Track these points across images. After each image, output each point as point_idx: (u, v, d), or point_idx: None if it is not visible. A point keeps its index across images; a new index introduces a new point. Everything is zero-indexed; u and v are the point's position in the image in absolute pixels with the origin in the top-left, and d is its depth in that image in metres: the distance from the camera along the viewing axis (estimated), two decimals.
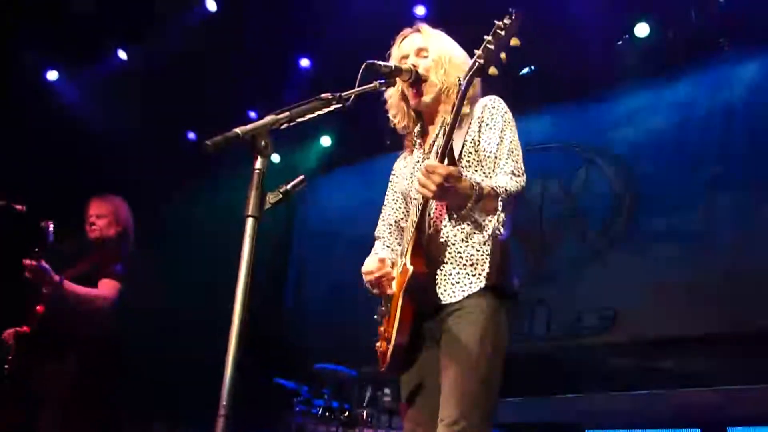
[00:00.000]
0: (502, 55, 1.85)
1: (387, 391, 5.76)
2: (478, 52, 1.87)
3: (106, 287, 3.40)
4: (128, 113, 8.19)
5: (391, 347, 2.12)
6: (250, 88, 7.95)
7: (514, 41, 1.84)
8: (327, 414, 5.75)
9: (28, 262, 3.14)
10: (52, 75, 8.23)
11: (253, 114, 8.03)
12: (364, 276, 2.32)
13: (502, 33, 1.80)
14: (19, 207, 3.41)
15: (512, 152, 2.11)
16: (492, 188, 2.01)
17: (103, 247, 3.64)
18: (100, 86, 8.15)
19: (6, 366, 3.20)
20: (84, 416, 3.18)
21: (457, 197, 1.95)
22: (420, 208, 2.09)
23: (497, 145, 2.10)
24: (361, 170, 8.39)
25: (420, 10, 6.39)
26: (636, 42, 6.24)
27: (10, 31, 7.37)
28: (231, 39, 7.47)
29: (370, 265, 2.29)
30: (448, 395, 2.00)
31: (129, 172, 7.95)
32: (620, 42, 6.37)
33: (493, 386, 2.03)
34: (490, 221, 2.05)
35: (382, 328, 2.26)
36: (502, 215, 2.00)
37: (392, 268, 2.28)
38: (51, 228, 3.30)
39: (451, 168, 1.90)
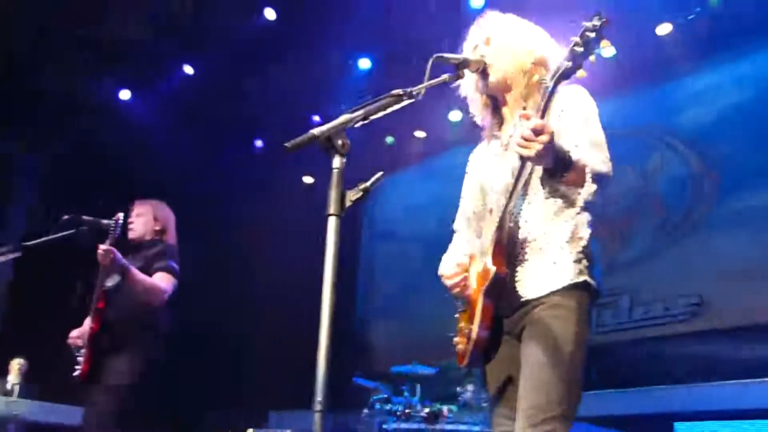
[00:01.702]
0: (591, 58, 1.80)
1: (468, 387, 5.73)
2: (564, 54, 1.82)
3: (162, 280, 3.46)
4: (196, 125, 8.45)
5: (471, 344, 2.10)
6: (312, 93, 8.06)
7: (605, 43, 1.78)
8: (407, 411, 5.76)
9: (101, 246, 3.28)
10: (125, 94, 8.57)
11: (317, 118, 8.14)
12: (441, 278, 2.31)
13: (591, 35, 1.75)
14: (105, 222, 3.52)
15: (598, 143, 2.05)
16: (581, 160, 1.97)
17: (142, 246, 3.69)
18: (169, 101, 8.44)
19: (80, 367, 3.31)
20: (138, 407, 3.26)
21: (554, 161, 1.89)
22: (502, 205, 2.05)
23: (581, 135, 2.03)
24: (425, 168, 8.39)
25: (476, 2, 6.32)
26: (703, 18, 6.02)
27: (85, 53, 7.69)
28: (290, 46, 7.59)
29: (447, 270, 2.27)
30: (528, 389, 1.98)
31: (200, 182, 8.22)
32: (690, 17, 6.14)
33: (574, 380, 1.99)
34: (579, 194, 1.99)
35: (461, 324, 2.25)
36: (592, 187, 1.94)
37: (470, 262, 2.26)
38: (120, 221, 3.42)
39: (552, 129, 1.85)
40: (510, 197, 2.04)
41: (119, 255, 3.29)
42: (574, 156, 1.94)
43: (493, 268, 2.03)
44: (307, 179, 9.31)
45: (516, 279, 2.10)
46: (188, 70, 8.29)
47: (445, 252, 2.42)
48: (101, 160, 8.03)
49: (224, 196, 8.57)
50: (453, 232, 2.51)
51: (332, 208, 1.65)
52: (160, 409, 5.39)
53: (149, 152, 8.12)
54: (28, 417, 6.01)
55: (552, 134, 1.83)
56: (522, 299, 2.08)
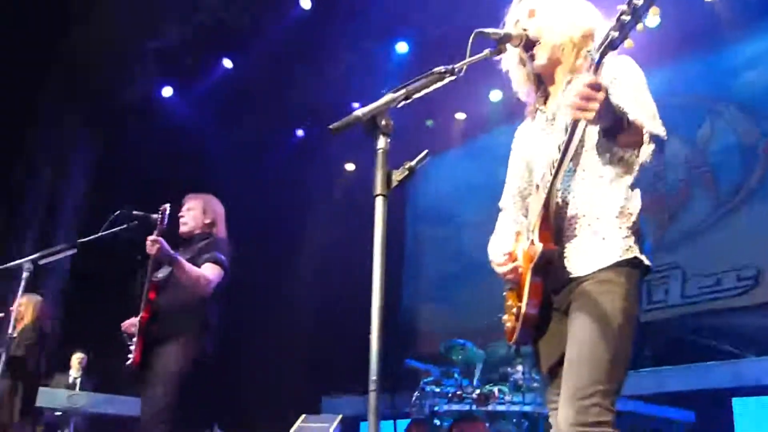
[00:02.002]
0: (639, 27, 1.73)
1: (518, 368, 5.70)
2: (612, 24, 1.76)
3: (209, 270, 3.49)
4: (237, 118, 8.56)
5: (519, 322, 2.08)
6: (351, 81, 8.07)
7: (654, 11, 1.70)
8: (458, 393, 5.76)
9: (150, 237, 3.33)
10: (167, 91, 8.73)
11: (356, 105, 8.15)
12: (491, 263, 2.28)
13: (639, 3, 1.69)
14: (153, 216, 3.58)
15: (651, 109, 1.99)
16: (637, 120, 1.89)
17: (193, 239, 3.73)
18: (210, 96, 8.55)
19: (132, 355, 3.37)
20: (189, 395, 3.30)
21: (611, 119, 1.83)
22: (548, 182, 2.01)
23: (634, 101, 1.96)
24: (468, 149, 8.33)
25: None
26: None
27: (128, 54, 7.85)
28: (326, 35, 7.61)
29: (496, 257, 2.24)
30: (574, 364, 1.93)
31: (244, 174, 8.32)
32: None
33: (621, 356, 1.93)
34: (637, 156, 1.93)
35: (509, 302, 2.22)
36: (650, 147, 1.89)
37: (517, 240, 2.23)
38: (167, 211, 3.47)
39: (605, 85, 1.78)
40: (556, 173, 2.00)
41: (166, 245, 3.33)
42: (631, 116, 1.89)
43: (540, 246, 2.00)
44: (349, 166, 9.37)
45: (564, 256, 2.05)
46: (227, 64, 8.39)
47: (491, 233, 2.40)
48: (147, 157, 8.20)
49: (268, 187, 8.67)
50: (499, 210, 2.48)
51: (379, 189, 1.64)
52: (213, 397, 5.53)
53: (194, 147, 8.26)
54: (90, 409, 6.23)
55: (608, 91, 1.78)
56: (570, 276, 2.04)
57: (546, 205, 2.04)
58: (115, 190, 8.05)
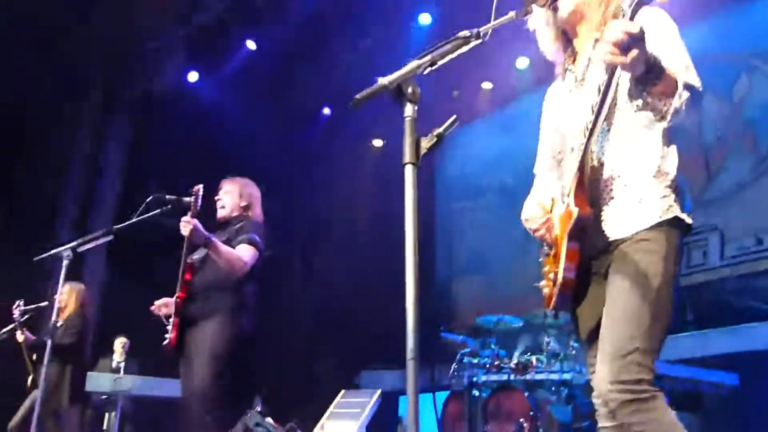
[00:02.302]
0: None
1: (554, 336, 5.67)
2: None
3: (244, 251, 3.50)
4: (262, 99, 8.57)
5: (557, 287, 2.05)
6: (376, 55, 8.01)
7: None
8: (496, 363, 5.76)
9: (183, 218, 3.35)
10: (193, 76, 8.77)
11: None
12: (524, 223, 2.25)
13: None
14: (186, 199, 3.60)
15: (685, 61, 1.92)
16: (671, 67, 1.82)
17: (230, 223, 3.75)
18: (235, 78, 8.58)
19: (169, 336, 3.42)
20: (224, 375, 3.32)
21: (646, 67, 1.76)
22: (582, 144, 1.96)
23: (665, 53, 1.89)
24: (497, 119, 8.23)
25: None
26: None
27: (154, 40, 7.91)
28: (351, 10, 7.54)
29: (529, 213, 2.21)
30: (612, 323, 1.90)
31: (273, 153, 8.36)
32: None
33: (661, 315, 1.88)
34: (671, 104, 1.85)
35: (546, 268, 2.18)
36: (684, 94, 1.82)
37: (553, 205, 2.19)
38: (200, 193, 3.48)
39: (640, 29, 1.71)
40: (590, 134, 1.95)
41: (200, 226, 3.35)
42: (664, 63, 1.81)
43: (575, 209, 1.95)
44: (377, 142, 9.35)
45: (601, 219, 2.00)
46: (251, 45, 8.38)
47: (523, 201, 2.36)
48: (178, 142, 8.28)
49: (297, 166, 8.70)
50: (533, 177, 2.44)
51: (408, 157, 1.62)
52: (253, 376, 5.62)
53: (223, 130, 8.31)
54: (135, 392, 6.37)
55: (644, 35, 1.70)
56: (608, 239, 1.99)
57: (581, 168, 1.99)
58: (148, 175, 8.16)
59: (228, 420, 3.36)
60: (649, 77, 1.80)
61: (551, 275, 2.11)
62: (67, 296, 5.18)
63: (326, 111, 9.27)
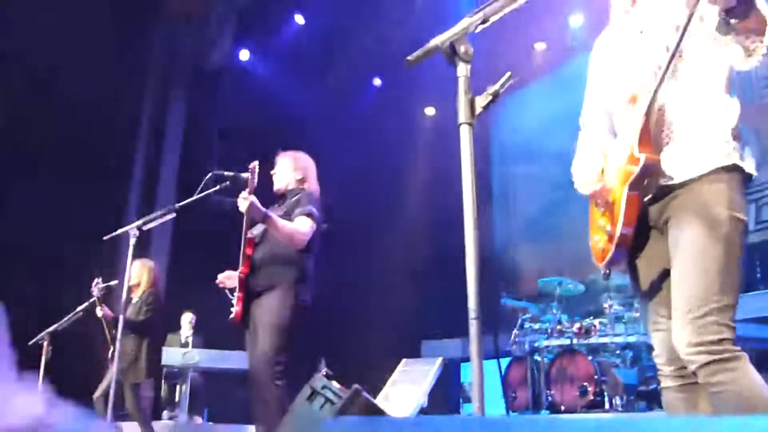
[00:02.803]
0: None
1: (616, 299, 5.58)
2: None
3: (301, 223, 3.53)
4: (313, 73, 8.60)
5: (614, 242, 1.96)
6: (423, 23, 7.91)
7: None
8: (558, 328, 5.72)
9: (242, 195, 3.40)
10: (244, 55, 8.86)
11: None
12: (576, 180, 2.17)
13: None
14: (245, 175, 3.65)
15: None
16: (758, 2, 1.72)
17: (285, 196, 3.78)
18: (286, 54, 8.63)
19: (234, 310, 3.50)
20: (285, 346, 3.37)
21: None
22: (649, 88, 1.87)
23: None
24: (550, 82, 8.04)
25: None
26: None
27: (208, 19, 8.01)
28: None
29: (582, 179, 2.13)
30: (683, 280, 1.81)
31: (327, 126, 8.39)
32: None
33: (732, 267, 1.77)
34: (761, 42, 1.76)
35: (600, 222, 2.10)
36: None
37: (605, 162, 2.10)
38: (256, 169, 3.52)
39: None
40: (662, 77, 1.83)
41: (257, 202, 3.40)
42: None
43: (642, 156, 1.85)
44: (429, 110, 9.28)
45: (662, 166, 1.91)
46: (299, 20, 8.40)
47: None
48: (233, 119, 8.42)
49: (350, 138, 8.72)
50: (579, 129, 2.34)
51: (463, 116, 1.59)
52: (315, 345, 5.72)
53: (276, 106, 8.38)
54: (203, 365, 6.59)
55: None
56: (667, 186, 1.90)
57: (648, 112, 1.89)
58: (207, 153, 8.33)
59: (293, 387, 3.43)
60: (738, 11, 1.70)
61: (608, 229, 2.03)
62: (139, 273, 5.37)
63: (377, 82, 9.25)
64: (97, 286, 4.97)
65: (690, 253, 1.81)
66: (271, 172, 3.84)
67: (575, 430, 0.83)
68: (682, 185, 1.88)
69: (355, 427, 0.99)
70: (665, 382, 1.97)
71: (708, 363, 1.73)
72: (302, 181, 3.81)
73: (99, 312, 4.97)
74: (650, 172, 1.87)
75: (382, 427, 0.96)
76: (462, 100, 1.61)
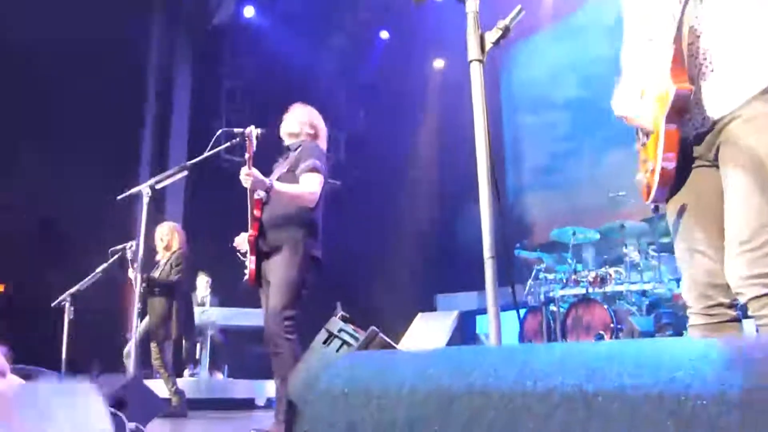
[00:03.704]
0: None
1: (632, 247, 5.55)
2: None
3: (308, 181, 3.49)
4: (320, 30, 8.48)
5: (656, 178, 1.90)
6: None
7: None
8: (573, 277, 5.71)
9: (244, 171, 3.38)
10: (249, 11, 8.73)
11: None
12: (616, 114, 2.08)
13: None
14: (256, 130, 3.61)
15: None
16: None
17: (291, 147, 3.74)
18: (290, 8, 8.49)
19: (247, 271, 3.52)
20: (293, 301, 3.40)
21: None
22: (677, 12, 1.76)
23: None
24: (557, 30, 7.88)
25: None
26: None
27: None
28: None
29: (622, 107, 2.04)
30: (735, 213, 1.73)
31: (337, 82, 8.30)
32: None
33: None
34: None
35: (643, 157, 2.03)
36: None
37: (647, 91, 2.00)
38: (253, 134, 3.48)
39: None
40: (685, 1, 1.73)
41: (258, 176, 3.37)
42: None
43: (673, 87, 1.75)
44: (438, 63, 9.16)
45: (701, 97, 1.81)
46: None
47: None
48: (242, 77, 8.35)
49: (363, 92, 8.65)
50: (618, 71, 2.23)
51: (472, 53, 1.56)
52: (329, 301, 5.76)
53: (283, 61, 8.29)
54: (221, 323, 6.70)
55: None
56: (713, 118, 1.79)
57: (676, 39, 1.78)
58: (215, 113, 8.29)
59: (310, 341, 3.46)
60: None
61: (649, 164, 1.96)
62: (169, 235, 5.45)
63: (384, 35, 9.10)
64: (131, 249, 5.00)
65: (745, 187, 1.70)
66: (281, 127, 3.79)
67: (592, 354, 0.82)
68: (729, 116, 1.75)
69: (371, 359, 0.99)
70: (693, 320, 1.93)
71: (760, 296, 1.67)
72: (314, 136, 3.77)
73: (131, 273, 5.03)
74: (684, 103, 1.77)
75: (400, 360, 0.96)
76: (471, 37, 1.57)
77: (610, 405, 0.72)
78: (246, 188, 3.53)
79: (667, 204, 1.97)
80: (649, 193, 1.92)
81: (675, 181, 1.86)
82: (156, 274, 5.31)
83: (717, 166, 1.82)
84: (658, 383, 0.70)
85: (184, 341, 7.04)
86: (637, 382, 0.72)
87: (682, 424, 0.67)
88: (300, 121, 3.75)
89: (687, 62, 1.80)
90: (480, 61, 1.56)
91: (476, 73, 1.56)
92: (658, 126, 1.83)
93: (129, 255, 5.02)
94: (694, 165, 1.87)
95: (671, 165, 1.80)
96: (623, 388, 0.72)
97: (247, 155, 3.40)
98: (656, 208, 2.05)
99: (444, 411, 0.82)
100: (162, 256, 5.44)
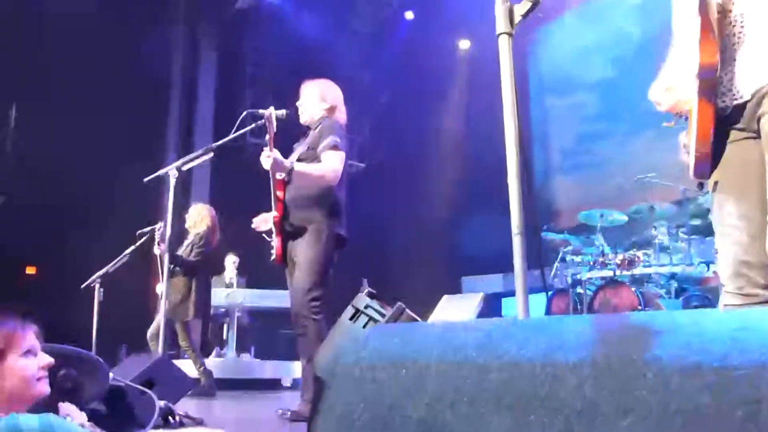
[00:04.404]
0: None
1: (661, 229, 5.47)
2: None
3: (330, 159, 3.47)
4: (343, 10, 8.44)
5: (692, 155, 1.85)
6: None
7: None
8: (600, 260, 5.65)
9: (265, 154, 3.37)
10: None
11: None
12: (649, 97, 2.03)
13: None
14: (279, 112, 3.60)
15: None
16: None
17: (312, 127, 3.71)
18: None
19: (274, 252, 3.53)
20: (319, 281, 3.39)
21: None
22: None
23: None
24: (587, 9, 7.74)
25: None
26: None
27: None
28: None
29: (656, 94, 1.98)
30: None
31: (362, 63, 8.26)
32: None
33: None
34: None
35: (684, 138, 1.97)
36: None
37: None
38: (273, 115, 3.45)
39: None
40: None
41: (279, 157, 3.35)
42: None
43: (698, 61, 1.69)
44: (463, 44, 9.06)
45: (739, 66, 1.75)
46: None
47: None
48: (267, 58, 8.35)
49: (385, 75, 8.60)
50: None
51: (501, 26, 1.53)
52: (356, 281, 5.78)
53: (308, 43, 8.28)
54: (248, 304, 6.75)
55: None
56: (750, 90, 1.72)
57: (702, 9, 1.73)
58: (239, 96, 8.31)
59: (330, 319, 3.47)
60: None
61: (685, 141, 1.90)
62: (197, 216, 5.48)
63: (409, 16, 9.03)
64: (159, 230, 5.06)
65: None
66: (298, 103, 3.77)
67: (624, 325, 0.81)
68: (765, 88, 1.68)
69: (399, 331, 0.99)
70: (726, 299, 1.88)
71: None
72: (332, 110, 3.72)
73: (157, 250, 5.08)
74: (712, 77, 1.73)
75: (428, 331, 0.95)
76: (500, 9, 1.54)
77: (643, 376, 0.70)
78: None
79: (710, 178, 1.90)
80: (692, 170, 1.86)
81: (715, 155, 1.80)
82: (179, 252, 5.36)
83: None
84: (695, 353, 0.69)
85: (209, 323, 7.15)
86: (672, 352, 0.70)
87: (719, 394, 0.65)
88: (313, 103, 3.72)
89: (721, 32, 1.74)
90: (509, 34, 1.54)
91: (505, 46, 1.54)
92: (692, 103, 1.78)
93: (157, 236, 5.08)
94: (738, 138, 1.81)
95: (707, 143, 1.75)
96: (658, 358, 0.70)
97: (267, 136, 3.40)
98: (701, 185, 1.98)
99: (474, 382, 0.81)
100: (189, 236, 5.49)
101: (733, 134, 1.79)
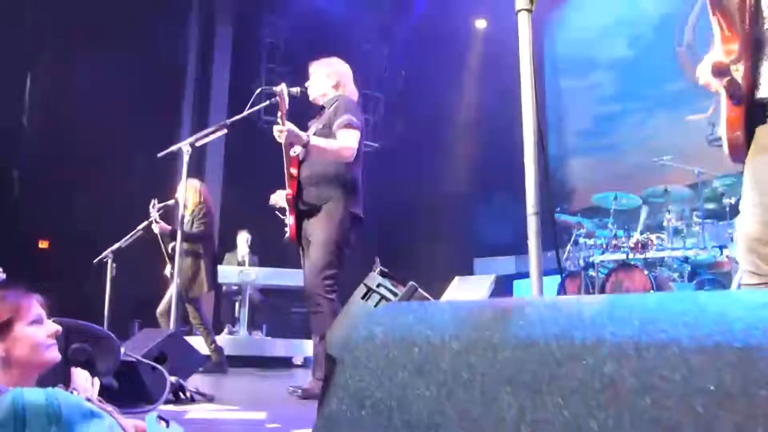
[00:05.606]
0: None
1: (674, 213, 5.43)
2: None
3: (345, 137, 3.46)
4: None
5: (725, 146, 1.82)
6: None
7: None
8: (613, 243, 5.62)
9: (278, 127, 3.35)
10: None
11: None
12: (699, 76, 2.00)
13: None
14: (293, 90, 3.58)
15: None
16: None
17: (324, 106, 3.70)
18: None
19: (288, 230, 3.52)
20: (334, 260, 3.38)
21: None
22: None
23: None
24: None
25: None
26: None
27: None
28: None
29: (702, 73, 1.95)
30: None
31: (376, 40, 8.19)
32: None
33: None
34: None
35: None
36: None
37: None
38: (285, 92, 3.43)
39: None
40: None
41: (294, 130, 3.34)
42: None
43: (712, 58, 1.68)
44: (480, 23, 8.97)
45: (760, 66, 1.70)
46: None
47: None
48: (281, 36, 8.30)
49: (400, 54, 8.53)
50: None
51: (520, 3, 1.51)
52: (370, 260, 5.78)
53: (324, 19, 8.22)
54: (260, 282, 6.77)
55: None
56: None
57: (720, 8, 1.69)
58: (256, 71, 8.28)
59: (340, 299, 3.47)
60: None
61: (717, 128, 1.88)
62: (186, 192, 5.47)
63: None
64: (154, 207, 5.08)
65: None
66: (306, 84, 3.75)
67: (643, 305, 0.79)
68: None
69: (412, 309, 0.98)
70: (744, 278, 1.88)
71: None
72: (337, 86, 3.70)
73: (155, 228, 5.10)
74: (722, 73, 1.71)
75: (442, 309, 0.94)
76: None
77: (663, 356, 0.69)
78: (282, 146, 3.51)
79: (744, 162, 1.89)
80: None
81: (748, 139, 1.78)
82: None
83: None
84: (715, 333, 0.67)
85: (221, 299, 7.18)
86: (692, 332, 0.69)
87: (741, 375, 0.64)
88: (321, 81, 3.70)
89: (753, 34, 1.70)
90: (528, 10, 1.51)
91: (524, 23, 1.51)
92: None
93: (153, 213, 5.08)
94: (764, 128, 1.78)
95: (735, 132, 1.73)
96: (678, 339, 0.69)
97: (279, 113, 3.38)
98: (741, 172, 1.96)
99: (488, 361, 0.80)
100: (186, 213, 5.47)
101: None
